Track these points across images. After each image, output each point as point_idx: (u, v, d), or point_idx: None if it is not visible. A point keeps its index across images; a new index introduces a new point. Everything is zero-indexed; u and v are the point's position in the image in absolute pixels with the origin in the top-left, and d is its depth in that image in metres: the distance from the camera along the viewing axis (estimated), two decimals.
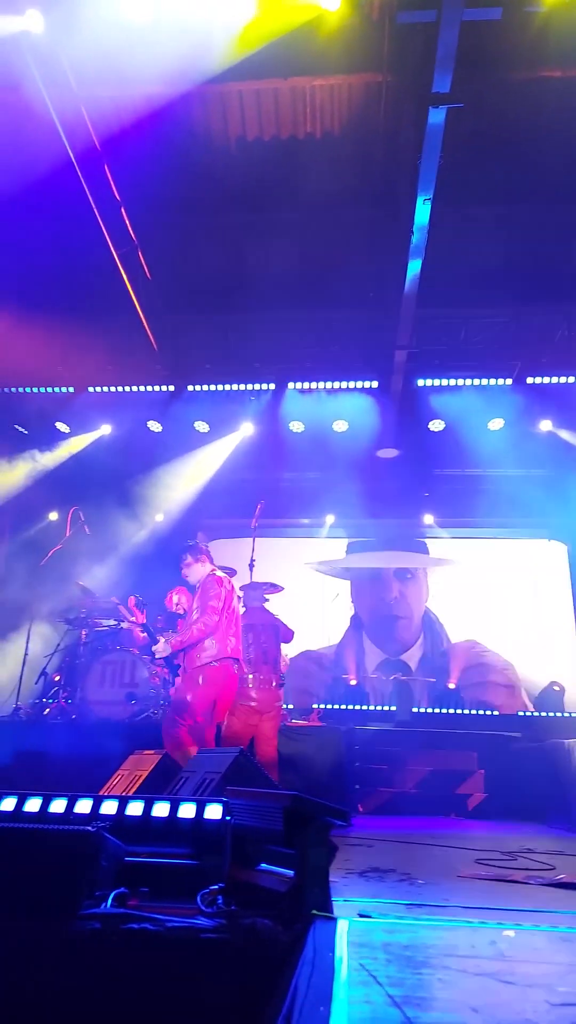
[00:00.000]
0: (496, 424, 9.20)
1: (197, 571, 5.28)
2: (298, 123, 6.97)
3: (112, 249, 7.39)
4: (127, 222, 7.50)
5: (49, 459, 9.89)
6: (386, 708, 9.47)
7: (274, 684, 5.90)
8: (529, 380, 8.96)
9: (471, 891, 2.90)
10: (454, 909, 2.44)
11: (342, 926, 1.97)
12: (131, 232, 7.60)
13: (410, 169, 6.42)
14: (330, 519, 10.95)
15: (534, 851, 4.22)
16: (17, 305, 7.71)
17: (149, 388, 9.39)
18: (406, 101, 6.47)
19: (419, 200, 6.55)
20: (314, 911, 2.03)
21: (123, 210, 7.37)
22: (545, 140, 7.08)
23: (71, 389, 9.42)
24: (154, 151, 6.90)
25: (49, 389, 9.45)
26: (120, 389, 9.42)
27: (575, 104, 6.72)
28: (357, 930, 1.99)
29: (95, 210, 6.96)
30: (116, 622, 7.94)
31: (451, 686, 9.97)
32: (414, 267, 7.20)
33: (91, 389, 9.42)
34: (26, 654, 7.35)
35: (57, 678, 7.79)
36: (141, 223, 7.65)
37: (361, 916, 2.24)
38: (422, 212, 6.67)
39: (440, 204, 6.56)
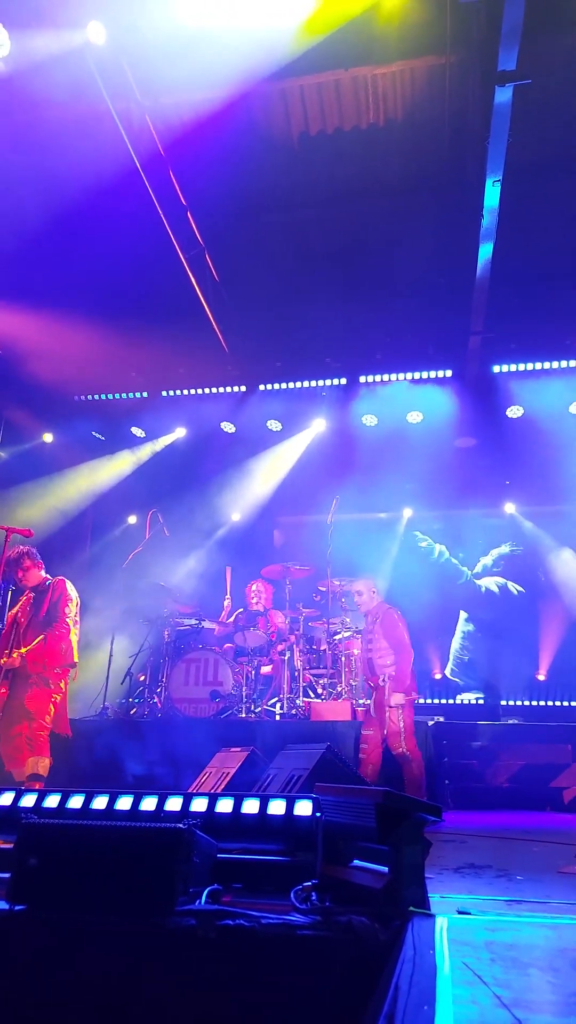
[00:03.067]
0: None
1: (35, 576, 5.24)
2: (361, 114, 6.88)
3: (180, 253, 7.50)
4: (193, 225, 7.60)
5: (127, 463, 10.16)
6: (474, 701, 9.28)
7: None
8: None
9: (574, 887, 2.78)
10: (557, 906, 2.35)
11: (441, 923, 1.92)
12: (198, 235, 7.70)
13: (478, 151, 6.25)
14: (408, 512, 10.80)
15: None
16: (89, 313, 7.93)
17: (221, 389, 9.53)
18: (471, 81, 6.28)
19: (488, 182, 6.37)
20: (412, 908, 1.98)
21: (189, 214, 7.47)
22: None
23: (145, 394, 9.66)
24: (218, 153, 6.95)
25: (124, 395, 9.72)
26: (193, 391, 9.60)
27: None
28: (457, 928, 1.93)
29: (162, 215, 7.08)
30: (197, 621, 8.07)
31: (540, 677, 9.67)
32: (485, 251, 7.00)
33: (164, 393, 9.63)
34: (111, 655, 7.55)
35: (142, 678, 7.96)
36: (207, 226, 7.74)
37: (460, 913, 2.17)
38: (491, 194, 6.47)
39: (509, 183, 6.35)
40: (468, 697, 9.46)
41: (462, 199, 7.12)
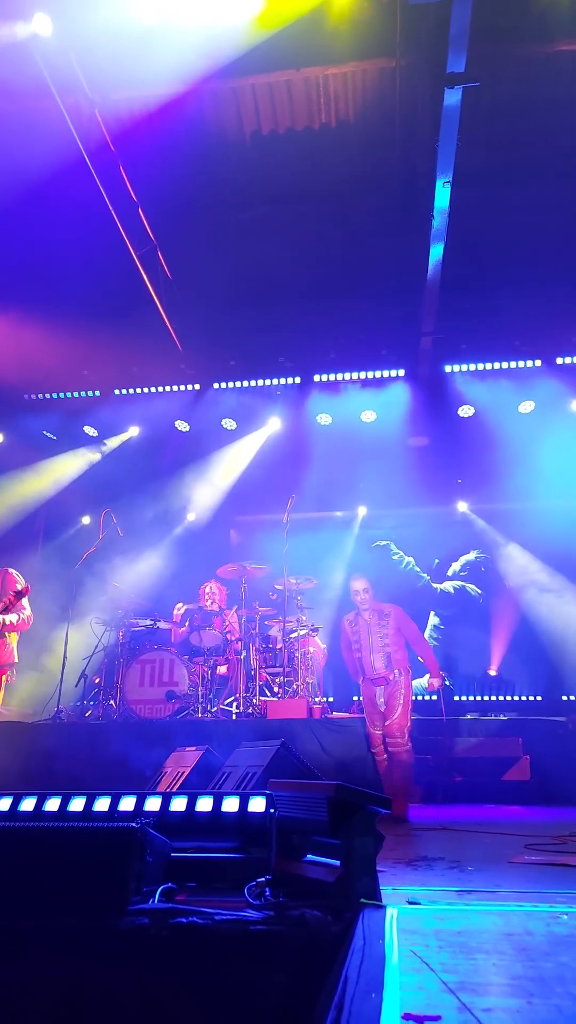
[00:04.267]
0: (527, 407, 9.06)
1: None
2: (313, 114, 6.91)
3: (131, 250, 7.42)
4: (145, 222, 7.53)
5: (79, 463, 10.01)
6: (428, 697, 9.40)
7: None
8: (559, 360, 8.82)
9: (522, 876, 2.85)
10: (506, 894, 2.40)
11: (391, 914, 1.95)
12: (150, 232, 7.63)
13: (428, 152, 6.34)
14: (363, 511, 10.89)
15: None
16: (39, 311, 7.80)
17: (175, 388, 9.47)
18: (421, 83, 6.37)
19: (439, 183, 6.46)
20: (363, 900, 2.00)
21: (140, 211, 7.40)
22: (566, 115, 6.91)
23: (97, 393, 9.54)
24: (169, 151, 6.91)
25: (75, 394, 9.57)
26: (146, 390, 9.51)
27: None
28: (407, 917, 1.96)
29: (112, 212, 6.99)
30: (152, 622, 7.99)
31: (492, 673, 9.86)
32: (436, 252, 7.11)
33: (117, 391, 9.52)
34: (65, 657, 7.43)
35: (97, 680, 7.86)
36: (159, 223, 7.67)
37: (411, 904, 2.21)
38: (442, 195, 6.57)
39: (460, 186, 6.46)
40: (421, 683, 9.61)
41: (413, 201, 7.22)
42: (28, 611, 5.17)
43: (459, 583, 10.53)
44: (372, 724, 5.85)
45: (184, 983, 1.97)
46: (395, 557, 10.41)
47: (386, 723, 5.73)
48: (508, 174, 7.40)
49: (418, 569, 10.57)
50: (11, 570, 5.26)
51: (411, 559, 10.55)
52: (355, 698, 7.39)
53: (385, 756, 5.77)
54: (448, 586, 10.51)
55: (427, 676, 6.38)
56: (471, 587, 10.47)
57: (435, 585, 10.53)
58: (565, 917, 1.94)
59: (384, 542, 10.28)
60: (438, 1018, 1.19)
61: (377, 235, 7.89)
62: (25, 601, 5.15)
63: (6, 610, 4.98)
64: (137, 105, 6.40)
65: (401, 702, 5.72)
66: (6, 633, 4.95)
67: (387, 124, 6.97)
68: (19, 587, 5.08)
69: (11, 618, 4.96)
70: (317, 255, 8.19)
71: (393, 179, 7.47)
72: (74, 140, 6.34)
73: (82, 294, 7.94)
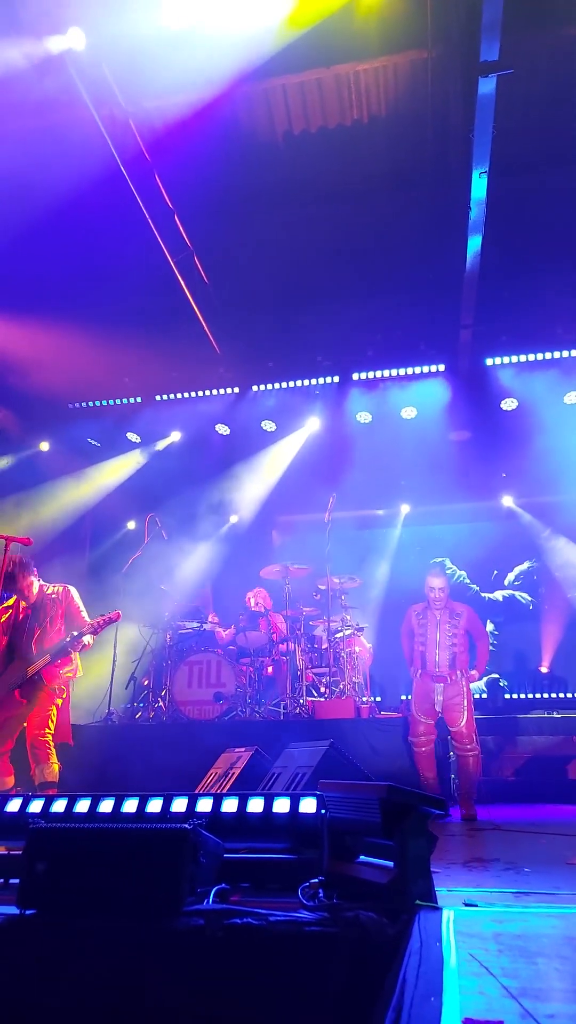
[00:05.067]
0: (573, 397, 8.87)
1: (35, 585, 5.22)
2: (345, 111, 6.88)
3: (168, 257, 7.50)
4: (181, 229, 7.60)
5: (123, 469, 10.16)
6: (477, 696, 9.28)
7: None
8: None
9: None
10: (566, 896, 2.35)
11: (448, 916, 1.92)
12: (186, 238, 7.69)
13: (462, 144, 6.26)
14: (405, 508, 10.80)
15: None
16: (79, 320, 7.93)
17: (214, 392, 9.53)
18: (454, 74, 6.29)
19: (475, 174, 6.37)
20: (418, 901, 1.98)
21: (176, 217, 7.47)
22: None
23: (139, 399, 9.66)
24: (202, 156, 6.95)
25: (117, 401, 9.72)
26: (186, 395, 9.60)
27: None
28: (464, 920, 1.93)
29: (149, 220, 7.08)
30: (199, 624, 8.07)
31: (543, 670, 9.68)
32: (474, 243, 7.01)
33: (158, 397, 9.63)
34: (114, 661, 7.54)
35: (146, 682, 7.96)
36: (195, 228, 7.73)
37: (467, 905, 2.17)
38: (479, 186, 6.47)
39: (496, 176, 6.36)
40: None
41: (448, 193, 7.12)
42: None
43: (509, 592, 10.37)
44: (419, 711, 5.76)
45: (240, 984, 1.98)
46: (448, 571, 10.40)
47: (453, 729, 5.66)
48: (544, 161, 7.25)
49: (468, 581, 10.45)
50: (70, 587, 5.33)
51: (463, 572, 10.44)
52: (404, 697, 7.30)
53: (426, 748, 5.71)
54: (498, 595, 10.37)
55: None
56: (521, 595, 10.31)
57: (484, 595, 10.40)
58: None
59: (440, 559, 10.44)
60: (500, 1023, 1.16)
61: (412, 230, 7.81)
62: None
63: (95, 631, 5.07)
64: (170, 112, 6.45)
65: (466, 704, 5.65)
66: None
67: (419, 117, 6.90)
68: (111, 615, 5.16)
69: (88, 639, 5.06)
70: (352, 253, 8.15)
71: (427, 172, 7.39)
72: (110, 150, 6.45)
73: (122, 302, 8.06)
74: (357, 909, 2.00)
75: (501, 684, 9.33)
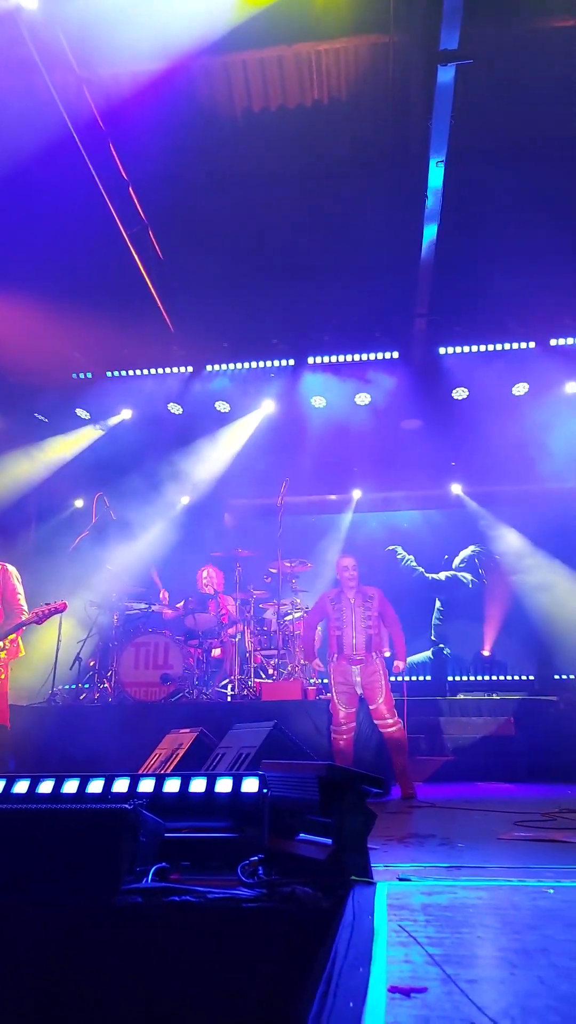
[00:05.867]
0: (521, 389, 9.05)
1: None
2: (305, 91, 6.81)
3: (122, 229, 7.34)
4: (136, 201, 7.44)
5: (72, 446, 9.97)
6: (422, 678, 9.49)
7: None
8: (553, 342, 8.80)
9: (511, 852, 2.90)
10: (495, 870, 2.44)
11: (381, 890, 1.98)
12: (140, 211, 7.54)
13: (422, 130, 6.27)
14: (357, 494, 10.90)
15: (573, 811, 4.20)
16: (29, 292, 7.71)
17: (168, 370, 9.41)
18: (414, 60, 6.29)
19: (432, 163, 6.41)
20: (354, 877, 2.03)
21: (131, 189, 7.31)
22: (559, 93, 6.84)
23: (89, 375, 9.47)
24: (160, 128, 6.80)
25: (66, 375, 9.50)
26: (138, 372, 9.45)
27: None
28: (396, 893, 1.99)
29: (102, 190, 6.90)
30: (147, 605, 8.02)
31: (485, 654, 9.94)
32: (430, 232, 7.06)
33: (109, 374, 9.46)
34: (59, 641, 7.46)
35: (92, 663, 7.90)
36: (151, 202, 7.58)
37: (401, 880, 2.24)
38: (435, 175, 6.51)
39: (453, 165, 6.40)
40: (417, 659, 9.76)
41: (407, 180, 7.13)
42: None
43: (451, 572, 10.60)
44: (340, 699, 5.87)
45: (178, 960, 2.00)
46: (399, 557, 10.63)
47: (372, 707, 5.78)
48: (502, 153, 7.32)
49: (414, 563, 10.65)
50: (10, 567, 5.21)
51: (411, 557, 10.64)
52: (315, 680, 7.38)
53: (346, 737, 5.83)
54: (442, 575, 10.59)
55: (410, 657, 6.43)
56: (462, 575, 10.54)
57: (429, 575, 10.61)
58: (551, 891, 1.97)
59: (392, 547, 10.75)
60: (423, 990, 1.21)
61: (370, 215, 7.81)
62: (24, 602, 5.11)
63: (39, 621, 4.98)
64: (126, 81, 6.28)
65: (383, 683, 5.81)
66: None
67: (380, 102, 6.88)
68: (56, 604, 5.07)
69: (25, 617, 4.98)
70: (310, 236, 8.10)
71: (386, 158, 7.38)
72: (62, 117, 6.24)
73: (72, 274, 7.86)
74: (294, 885, 2.04)
75: (445, 652, 9.56)
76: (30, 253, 7.64)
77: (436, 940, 1.49)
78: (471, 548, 10.59)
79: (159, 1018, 1.96)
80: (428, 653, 9.66)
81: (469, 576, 10.48)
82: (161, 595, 8.41)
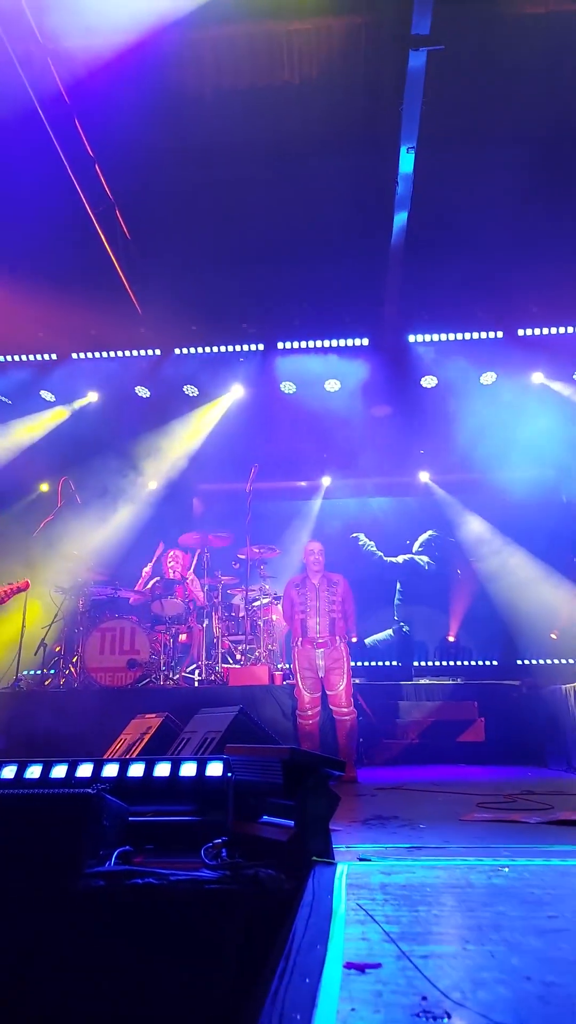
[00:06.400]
0: (488, 378, 9.14)
1: None
2: (276, 70, 6.72)
3: (88, 208, 7.20)
4: (102, 179, 7.30)
5: (36, 429, 9.81)
6: (389, 663, 9.59)
7: None
8: (521, 332, 8.88)
9: (471, 833, 2.96)
10: (454, 850, 2.49)
11: (341, 870, 2.01)
12: (107, 189, 7.40)
13: (392, 115, 6.25)
14: (326, 480, 10.93)
15: (534, 793, 4.30)
16: None
17: (135, 352, 9.29)
18: (386, 44, 6.24)
19: (402, 149, 6.39)
20: (315, 858, 2.06)
21: (97, 167, 7.16)
22: (529, 80, 6.85)
23: (54, 356, 9.31)
24: (127, 104, 6.65)
25: (31, 356, 9.33)
26: (105, 354, 9.32)
27: (560, 41, 6.49)
28: (356, 873, 2.02)
29: (67, 167, 6.75)
30: (113, 590, 7.97)
31: (450, 639, 10.08)
32: (400, 219, 7.06)
33: (75, 355, 9.31)
34: (23, 626, 7.37)
35: (57, 648, 7.83)
36: (118, 180, 7.43)
37: (361, 860, 2.27)
38: (406, 161, 6.50)
39: (424, 150, 6.39)
40: (378, 637, 9.88)
41: (378, 165, 7.11)
42: None
43: (409, 556, 10.71)
44: (304, 684, 5.93)
45: (141, 942, 2.01)
46: (361, 543, 10.72)
47: (331, 692, 5.84)
48: (472, 139, 7.31)
49: (374, 548, 10.76)
50: None
51: (372, 543, 10.74)
52: (282, 665, 7.44)
53: (312, 721, 5.89)
54: (399, 558, 10.69)
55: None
56: (419, 558, 10.65)
57: (387, 559, 10.71)
58: (506, 870, 2.02)
59: (356, 534, 10.88)
60: (378, 966, 1.23)
61: (341, 200, 7.77)
62: None
63: (1, 601, 4.91)
64: (92, 55, 6.13)
65: (345, 669, 5.88)
66: None
67: (352, 84, 6.82)
68: (19, 584, 5.00)
69: None
70: (280, 219, 8.03)
71: (358, 142, 7.33)
72: (26, 90, 6.09)
73: (37, 253, 7.69)
74: (257, 867, 2.06)
75: (405, 630, 9.69)
76: None
77: (393, 918, 1.52)
78: (428, 533, 10.74)
79: (123, 1000, 1.97)
80: (389, 631, 9.82)
81: (426, 559, 10.61)
82: (145, 569, 8.36)
